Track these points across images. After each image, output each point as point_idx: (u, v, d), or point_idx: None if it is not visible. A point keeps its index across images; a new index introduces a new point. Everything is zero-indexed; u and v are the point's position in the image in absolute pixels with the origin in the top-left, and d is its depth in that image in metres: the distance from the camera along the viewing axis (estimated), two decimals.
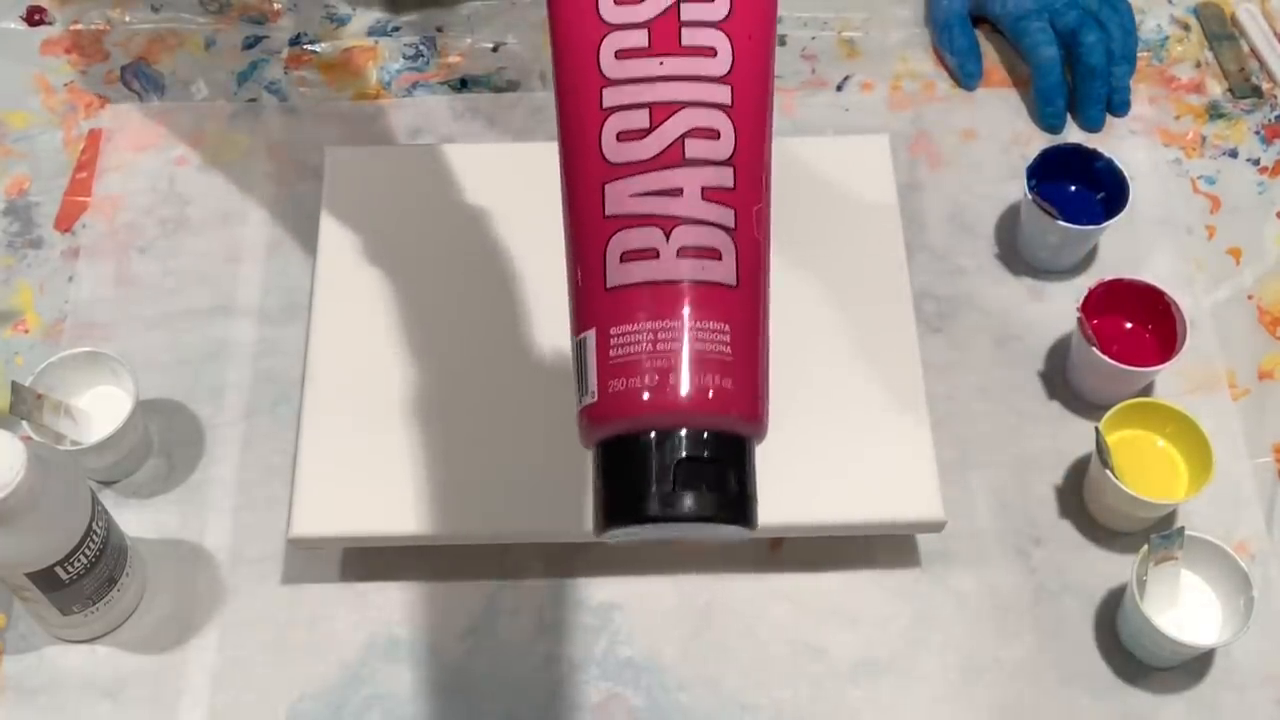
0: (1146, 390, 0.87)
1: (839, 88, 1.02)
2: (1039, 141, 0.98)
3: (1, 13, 1.04)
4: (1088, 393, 0.87)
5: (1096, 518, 0.84)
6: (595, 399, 0.48)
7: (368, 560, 0.82)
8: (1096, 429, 0.80)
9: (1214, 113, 1.01)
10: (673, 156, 0.49)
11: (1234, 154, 0.99)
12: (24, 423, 0.79)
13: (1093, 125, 0.99)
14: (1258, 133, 1.00)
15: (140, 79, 1.01)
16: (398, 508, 0.77)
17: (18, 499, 0.67)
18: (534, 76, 1.02)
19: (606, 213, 0.49)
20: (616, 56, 0.50)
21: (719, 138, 0.49)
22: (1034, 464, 0.86)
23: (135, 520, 0.83)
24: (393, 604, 0.81)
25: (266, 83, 1.01)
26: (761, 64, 0.51)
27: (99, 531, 0.74)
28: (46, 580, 0.72)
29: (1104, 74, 0.98)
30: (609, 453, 0.48)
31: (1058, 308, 0.91)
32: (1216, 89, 1.02)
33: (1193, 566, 0.78)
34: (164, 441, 0.86)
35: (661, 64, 0.50)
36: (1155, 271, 0.92)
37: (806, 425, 0.79)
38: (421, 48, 1.03)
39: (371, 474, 0.78)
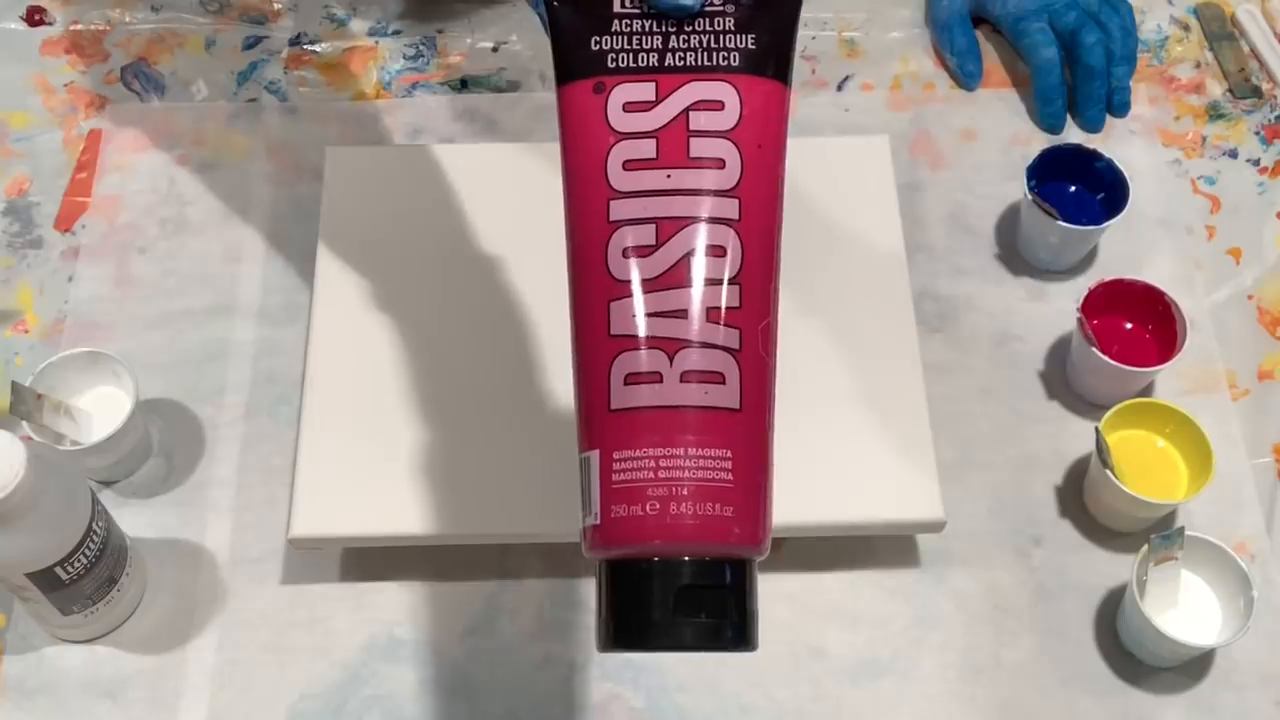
0: (1146, 390, 0.87)
1: (839, 88, 1.02)
2: (1039, 141, 0.98)
3: (1, 13, 1.05)
4: (1088, 393, 0.87)
5: (1096, 518, 0.84)
6: (599, 521, 0.49)
7: (368, 560, 0.82)
8: (1096, 429, 0.80)
9: (1214, 113, 1.01)
10: (678, 277, 0.49)
11: (1234, 154, 0.99)
12: (24, 423, 0.79)
13: (1093, 126, 0.99)
14: (1258, 133, 1.00)
15: (140, 79, 1.01)
16: (397, 508, 0.77)
17: (18, 499, 0.67)
18: (534, 76, 1.02)
19: (611, 331, 0.49)
20: (624, 168, 0.50)
21: (725, 255, 0.49)
22: (1034, 464, 0.86)
23: (135, 520, 0.83)
24: (393, 604, 0.81)
25: (266, 83, 1.01)
26: (770, 173, 0.51)
27: (99, 531, 0.74)
28: (46, 580, 0.72)
29: (1104, 74, 0.98)
30: (612, 573, 0.49)
31: (1058, 308, 0.91)
32: (1216, 89, 1.02)
33: (1193, 566, 0.78)
34: (164, 441, 0.86)
35: (669, 176, 0.50)
36: (1155, 271, 0.92)
37: (806, 426, 0.79)
38: (421, 48, 1.03)
39: (371, 474, 0.78)
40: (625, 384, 0.48)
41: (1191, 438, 0.81)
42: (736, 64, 0.51)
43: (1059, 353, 0.90)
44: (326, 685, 0.79)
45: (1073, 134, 0.99)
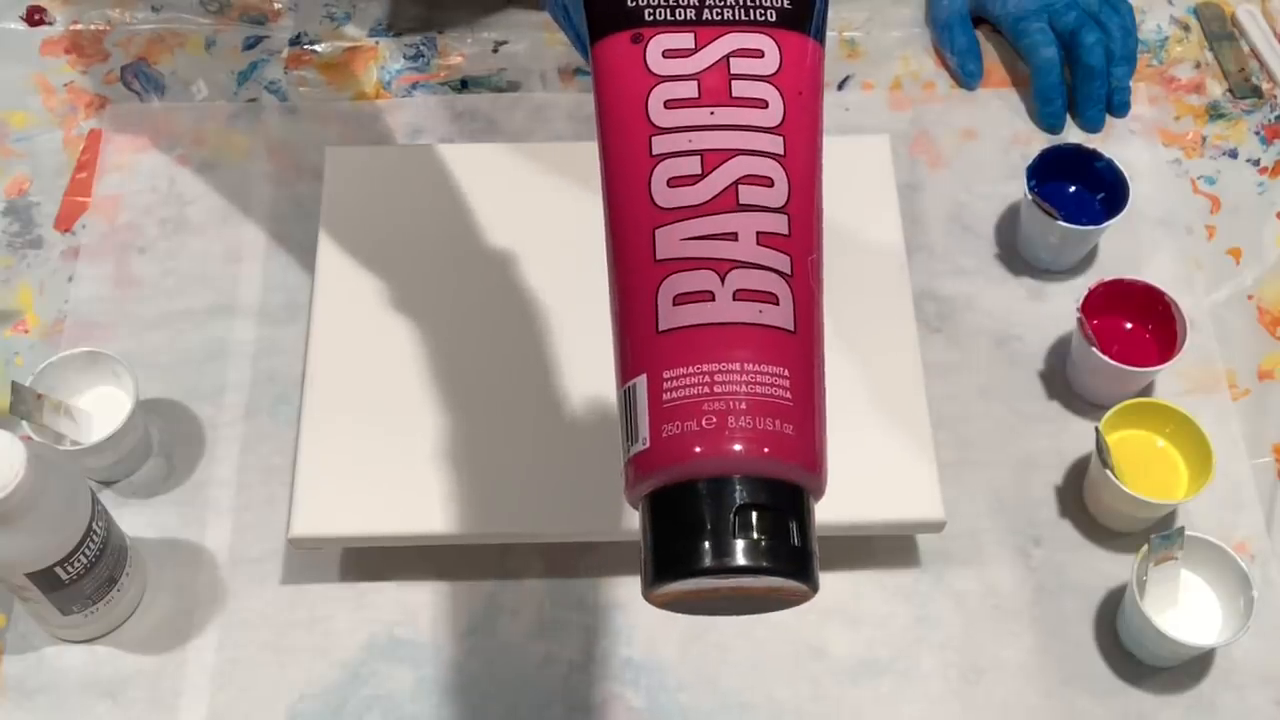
0: (1146, 390, 0.87)
1: (839, 87, 1.02)
2: (1039, 141, 0.98)
3: (1, 13, 1.05)
4: (1088, 393, 0.87)
5: (1096, 518, 0.84)
6: (647, 445, 0.46)
7: (368, 560, 0.82)
8: (1096, 429, 0.80)
9: (1214, 113, 1.01)
10: (727, 202, 0.48)
11: (1234, 154, 0.99)
12: (24, 423, 0.79)
13: (1092, 126, 0.99)
14: (1258, 133, 1.00)
15: (140, 79, 1.01)
16: (397, 508, 0.77)
17: (18, 499, 0.67)
18: (534, 76, 1.02)
19: (657, 257, 0.47)
20: (665, 106, 0.49)
21: (772, 185, 0.48)
22: (1034, 464, 0.86)
23: (135, 520, 0.83)
24: (393, 604, 0.81)
25: (266, 83, 1.01)
26: (811, 120, 0.51)
27: (99, 531, 0.74)
28: (46, 580, 0.72)
29: (1103, 74, 0.98)
30: (659, 504, 0.46)
31: (1058, 308, 0.91)
32: (1216, 89, 1.02)
33: (1193, 566, 0.78)
34: (164, 441, 0.86)
35: (712, 114, 0.49)
36: (1155, 271, 0.92)
37: None
38: (421, 48, 1.03)
39: (371, 474, 0.78)
40: (674, 305, 0.47)
41: (1191, 438, 0.81)
42: (774, 20, 0.51)
43: (1059, 353, 0.90)
44: (326, 685, 0.79)
45: (1073, 134, 0.99)
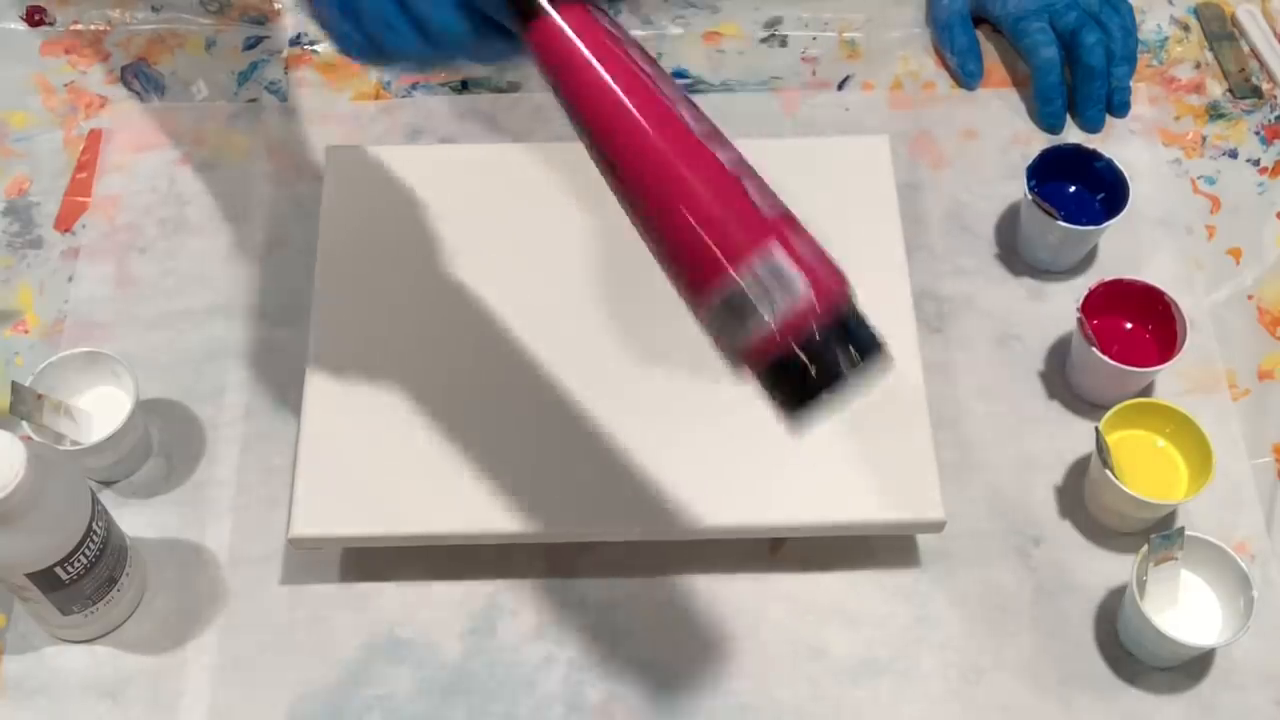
0: (1146, 390, 0.87)
1: (840, 87, 1.02)
2: (1039, 141, 0.98)
3: (1, 13, 1.05)
4: (1088, 393, 0.87)
5: (1096, 518, 0.84)
6: (819, 281, 0.57)
7: (368, 560, 0.82)
8: (1096, 429, 0.80)
9: (1214, 113, 1.01)
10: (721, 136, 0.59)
11: (1234, 154, 0.99)
12: (24, 423, 0.79)
13: (1092, 126, 0.99)
14: (1258, 133, 1.00)
15: (140, 79, 1.01)
16: (397, 508, 0.77)
17: (18, 499, 0.67)
18: (534, 77, 1.01)
19: (728, 170, 0.58)
20: (645, 60, 0.59)
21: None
22: (1034, 464, 0.86)
23: (135, 520, 0.83)
24: (393, 604, 0.81)
25: (267, 83, 1.01)
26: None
27: (99, 531, 0.74)
28: (46, 580, 0.72)
29: (1104, 74, 0.98)
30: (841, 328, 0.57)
31: (1058, 308, 0.91)
32: (1216, 89, 1.02)
33: (1193, 566, 0.78)
34: (164, 441, 0.86)
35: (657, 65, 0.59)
36: (1155, 271, 0.92)
37: None
38: None
39: (371, 474, 0.78)
40: (763, 196, 0.58)
41: (1191, 438, 0.81)
42: None
43: (1059, 353, 0.90)
44: (326, 685, 0.79)
45: (1072, 134, 0.99)
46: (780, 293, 0.56)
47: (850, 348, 0.57)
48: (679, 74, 1.02)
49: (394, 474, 0.78)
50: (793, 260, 0.57)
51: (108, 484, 0.85)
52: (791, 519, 0.78)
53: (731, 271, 0.56)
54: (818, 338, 0.56)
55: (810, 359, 0.56)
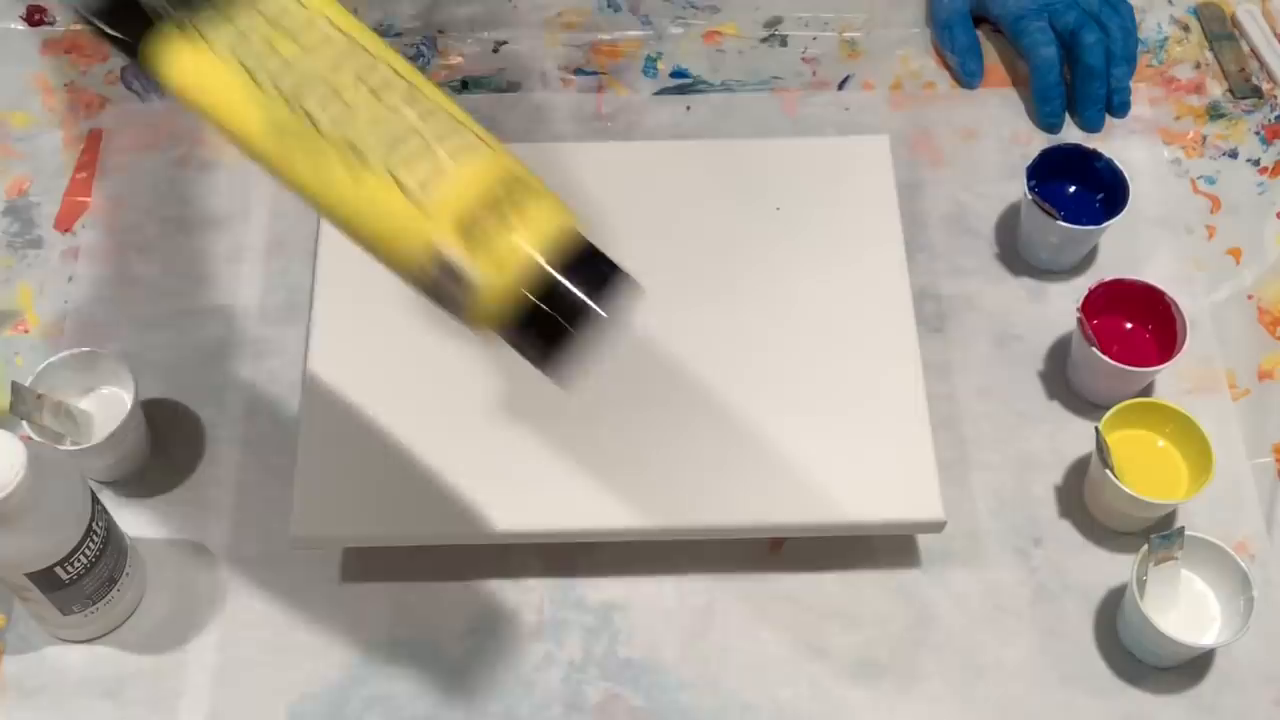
0: (1146, 390, 0.87)
1: (840, 87, 1.02)
2: (1039, 141, 0.98)
3: (1, 13, 1.04)
4: (1088, 393, 0.87)
5: (1096, 518, 0.84)
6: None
7: (368, 560, 0.82)
8: (1096, 429, 0.80)
9: (1214, 113, 1.01)
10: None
11: (1234, 154, 0.99)
12: (24, 423, 0.79)
13: (1092, 126, 0.99)
14: (1258, 133, 1.00)
15: (140, 79, 1.01)
16: (397, 508, 0.77)
17: (18, 499, 0.67)
18: (534, 77, 1.02)
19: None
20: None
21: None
22: (1034, 464, 0.86)
23: (135, 520, 0.83)
24: (393, 604, 0.81)
25: None
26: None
27: (99, 531, 0.74)
28: (46, 580, 0.72)
29: (1103, 74, 0.98)
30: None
31: (1058, 308, 0.91)
32: (1216, 89, 1.02)
33: (1193, 566, 0.78)
34: (164, 441, 0.86)
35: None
36: (1155, 271, 0.92)
37: (807, 425, 0.79)
38: (422, 48, 1.03)
39: (371, 474, 0.78)
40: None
41: (1191, 438, 0.81)
42: None
43: (1059, 353, 0.90)
44: (326, 685, 0.79)
45: (1072, 133, 0.99)
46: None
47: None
48: (679, 74, 1.02)
49: (394, 474, 0.78)
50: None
51: (108, 484, 0.85)
52: (791, 519, 0.78)
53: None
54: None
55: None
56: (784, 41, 1.04)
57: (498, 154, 0.58)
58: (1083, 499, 0.84)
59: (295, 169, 0.57)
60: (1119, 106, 0.99)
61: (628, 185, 0.87)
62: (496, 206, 0.56)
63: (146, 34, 0.57)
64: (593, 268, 0.57)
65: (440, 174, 0.56)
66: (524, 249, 0.56)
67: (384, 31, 1.04)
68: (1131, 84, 1.00)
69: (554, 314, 0.56)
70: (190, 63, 0.57)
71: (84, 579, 0.74)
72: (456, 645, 0.80)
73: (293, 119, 0.56)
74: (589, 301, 0.56)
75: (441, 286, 0.56)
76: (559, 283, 0.56)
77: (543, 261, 0.56)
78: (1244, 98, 1.02)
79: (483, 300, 0.56)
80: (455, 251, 0.55)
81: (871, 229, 0.86)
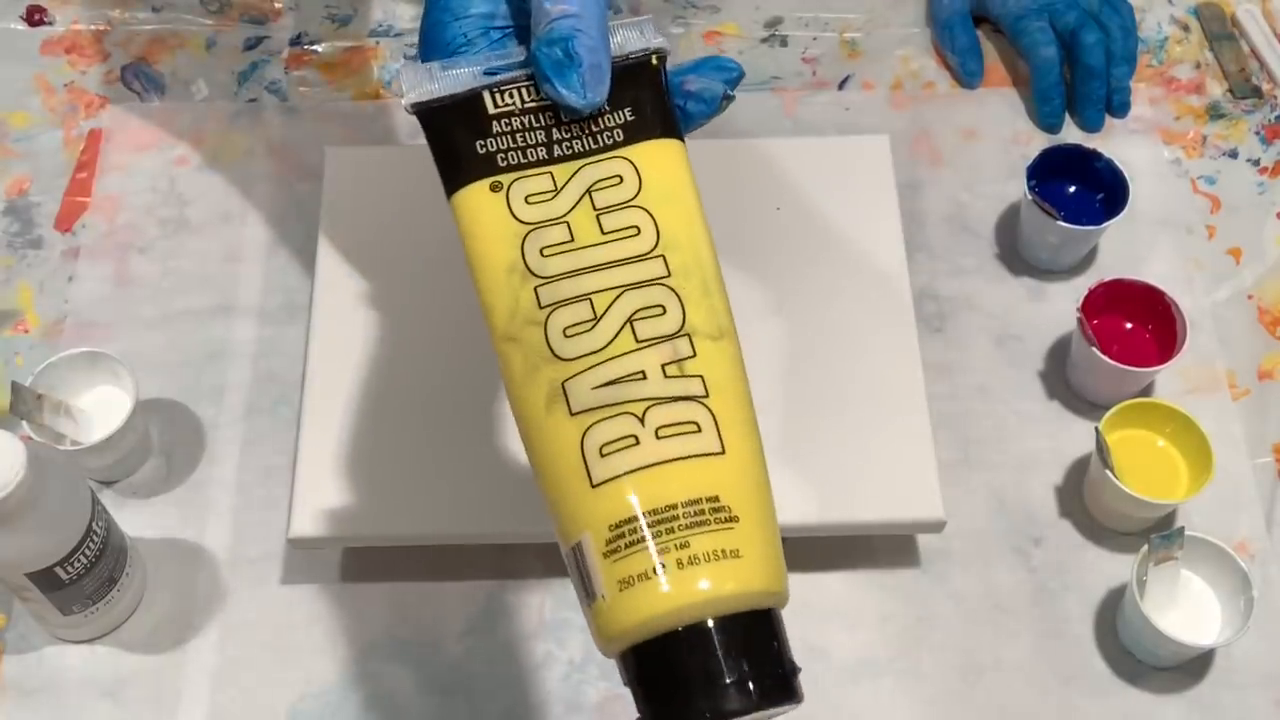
0: (1146, 390, 0.87)
1: (840, 87, 1.02)
2: (1039, 141, 0.98)
3: (1, 13, 1.05)
4: (1088, 393, 0.87)
5: (1096, 518, 0.84)
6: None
7: (368, 560, 0.82)
8: (1096, 429, 0.80)
9: (1214, 113, 1.01)
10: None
11: (1234, 154, 0.99)
12: (24, 423, 0.79)
13: (1092, 126, 0.99)
14: (1258, 133, 1.00)
15: (140, 79, 1.01)
16: (397, 508, 0.77)
17: (18, 499, 0.67)
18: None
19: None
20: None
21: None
22: (1034, 464, 0.86)
23: (135, 520, 0.83)
24: (393, 604, 0.81)
25: (267, 83, 1.01)
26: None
27: (99, 531, 0.74)
28: (46, 580, 0.72)
29: (1103, 75, 0.98)
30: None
31: (1058, 308, 0.91)
32: (1216, 89, 1.02)
33: (1193, 566, 0.78)
34: (164, 441, 0.86)
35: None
36: (1155, 271, 0.92)
37: (807, 425, 0.79)
38: None
39: (371, 474, 0.78)
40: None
41: (1191, 438, 0.81)
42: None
43: (1059, 353, 0.90)
44: (326, 685, 0.79)
45: (1072, 133, 0.99)
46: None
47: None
48: None
49: (394, 474, 0.78)
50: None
51: (108, 484, 0.85)
52: (791, 519, 0.78)
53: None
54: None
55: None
56: (784, 41, 1.04)
57: (708, 463, 0.46)
58: (1083, 499, 0.84)
59: (508, 367, 0.49)
60: (1119, 107, 0.99)
61: None
62: (666, 530, 0.45)
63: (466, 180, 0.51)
64: (746, 653, 0.44)
65: (627, 462, 0.46)
66: (659, 600, 0.44)
67: (384, 32, 1.04)
68: (1131, 84, 1.00)
69: (671, 684, 0.44)
70: (485, 201, 0.51)
71: (84, 579, 0.74)
72: (456, 645, 0.80)
73: (530, 314, 0.49)
74: (703, 692, 0.44)
75: (574, 573, 0.47)
76: (681, 654, 0.44)
77: (676, 625, 0.44)
78: (1244, 98, 1.02)
79: (601, 621, 0.46)
80: (594, 556, 0.46)
81: (871, 229, 0.86)
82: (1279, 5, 1.06)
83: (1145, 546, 0.76)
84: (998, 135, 0.99)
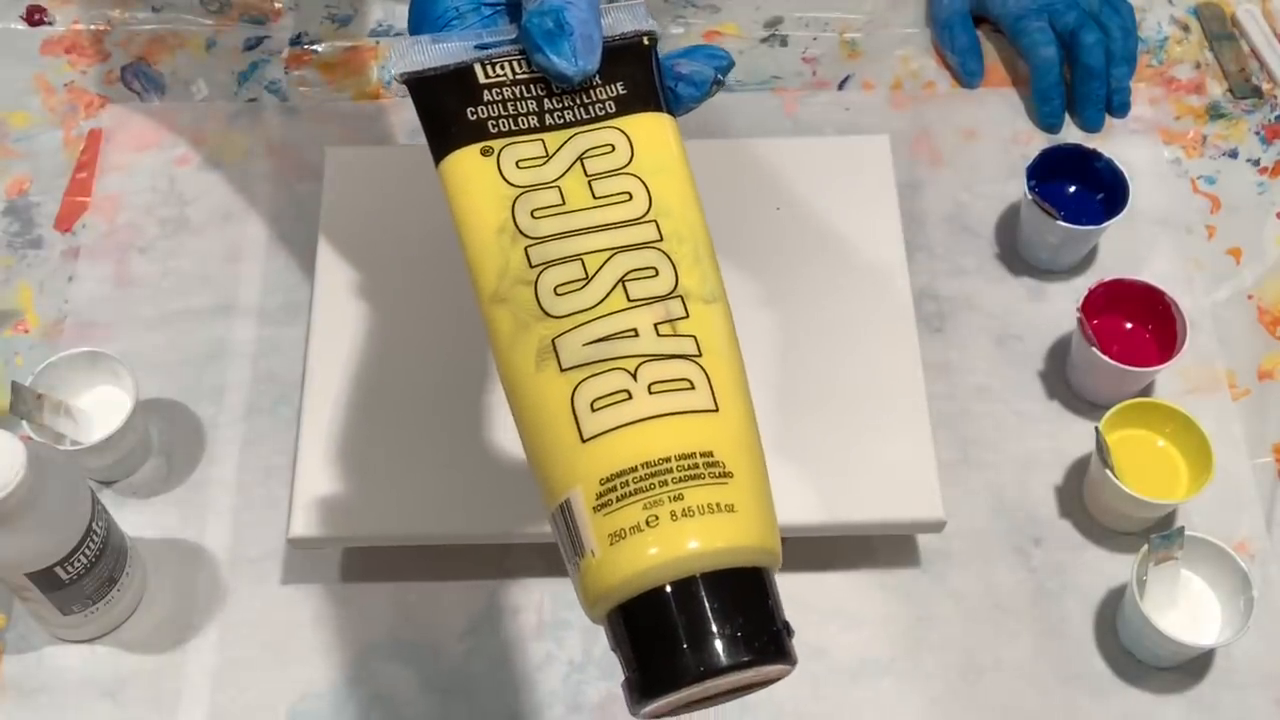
0: (1146, 390, 0.87)
1: (840, 87, 1.02)
2: (1039, 141, 0.98)
3: (1, 13, 1.05)
4: (1088, 393, 0.87)
5: (1096, 518, 0.84)
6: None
7: (368, 560, 0.82)
8: (1096, 429, 0.80)
9: (1214, 113, 1.01)
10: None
11: (1234, 154, 0.99)
12: (24, 423, 0.79)
13: (1092, 126, 0.99)
14: (1258, 133, 1.00)
15: (140, 79, 1.01)
16: (398, 508, 0.77)
17: (18, 499, 0.67)
18: None
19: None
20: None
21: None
22: (1034, 464, 0.86)
23: (135, 520, 0.83)
24: (393, 604, 0.81)
25: (267, 83, 1.01)
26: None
27: (99, 531, 0.74)
28: (46, 580, 0.72)
29: (1103, 75, 0.98)
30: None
31: (1058, 308, 0.91)
32: (1216, 89, 1.02)
33: (1193, 566, 0.78)
34: (164, 441, 0.86)
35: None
36: (1155, 271, 0.92)
37: (806, 425, 0.79)
38: None
39: (371, 474, 0.78)
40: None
41: (1191, 438, 0.81)
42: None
43: (1059, 353, 0.90)
44: (326, 685, 0.79)
45: (1072, 133, 0.99)
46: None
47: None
48: None
49: (394, 474, 0.78)
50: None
51: (108, 484, 0.85)
52: (791, 519, 0.77)
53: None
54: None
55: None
56: (784, 41, 1.04)
57: (702, 420, 0.46)
58: (1083, 499, 0.84)
59: (495, 327, 0.49)
60: (1119, 107, 0.99)
61: None
62: (660, 483, 0.44)
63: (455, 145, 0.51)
64: (737, 609, 0.44)
65: (618, 416, 0.46)
66: (651, 553, 0.43)
67: (384, 32, 1.04)
68: (1131, 84, 1.00)
69: (660, 639, 0.44)
70: (475, 164, 0.50)
71: (84, 579, 0.74)
72: (456, 645, 0.80)
73: (520, 274, 0.48)
74: (693, 646, 0.43)
75: (561, 532, 0.46)
76: (671, 610, 0.43)
77: (668, 579, 0.43)
78: (1244, 98, 1.02)
79: (590, 579, 0.45)
80: (583, 511, 0.45)
81: (871, 229, 0.86)
82: (1279, 5, 1.06)
83: (1145, 546, 0.76)
84: (998, 135, 0.99)
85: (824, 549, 0.82)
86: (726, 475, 0.45)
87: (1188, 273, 0.93)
